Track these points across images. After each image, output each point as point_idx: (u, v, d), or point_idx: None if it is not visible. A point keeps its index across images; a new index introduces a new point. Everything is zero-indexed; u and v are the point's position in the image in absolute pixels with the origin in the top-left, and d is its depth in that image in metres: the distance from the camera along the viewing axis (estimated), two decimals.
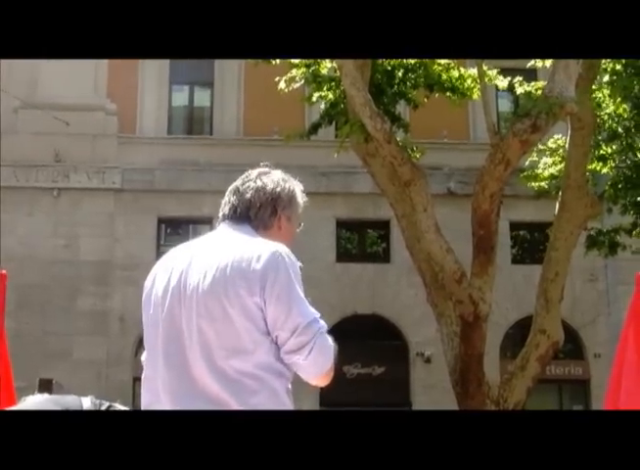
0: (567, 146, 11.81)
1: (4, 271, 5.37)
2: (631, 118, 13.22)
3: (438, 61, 11.84)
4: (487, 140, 10.61)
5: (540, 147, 13.48)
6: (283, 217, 2.83)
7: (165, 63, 18.90)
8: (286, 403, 2.59)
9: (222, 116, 19.23)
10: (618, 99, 12.86)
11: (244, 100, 19.08)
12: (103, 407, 2.71)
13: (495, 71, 12.48)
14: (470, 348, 10.42)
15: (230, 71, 19.04)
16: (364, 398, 17.04)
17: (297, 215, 2.89)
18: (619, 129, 13.38)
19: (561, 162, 13.27)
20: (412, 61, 11.68)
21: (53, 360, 16.42)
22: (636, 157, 13.56)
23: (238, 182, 2.86)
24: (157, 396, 2.63)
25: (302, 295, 2.62)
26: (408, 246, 11.30)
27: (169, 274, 2.70)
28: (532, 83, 13.16)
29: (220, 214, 2.85)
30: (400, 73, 11.94)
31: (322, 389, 2.83)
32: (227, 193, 2.86)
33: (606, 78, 12.57)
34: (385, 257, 18.82)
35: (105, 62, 18.05)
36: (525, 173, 14.09)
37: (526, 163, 13.86)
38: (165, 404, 2.60)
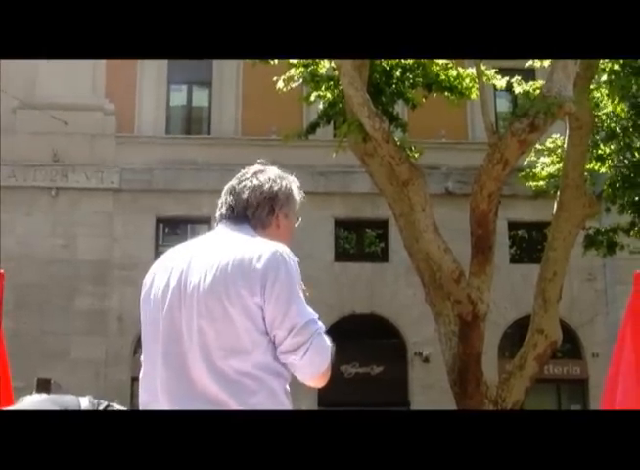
0: (565, 146, 11.81)
1: (2, 271, 5.36)
2: (629, 118, 13.23)
3: (437, 60, 11.84)
4: (486, 140, 10.61)
5: (538, 147, 13.49)
6: (281, 215, 2.82)
7: (164, 62, 18.90)
8: (284, 403, 2.59)
9: (220, 115, 19.23)
10: (617, 99, 12.87)
11: (242, 100, 19.08)
12: (101, 407, 2.71)
13: (493, 71, 12.49)
14: (468, 347, 10.42)
15: (228, 71, 19.04)
16: (362, 397, 17.05)
17: (295, 212, 2.88)
18: (617, 129, 13.39)
19: (559, 161, 13.28)
20: (410, 60, 11.69)
21: (51, 360, 16.41)
22: (634, 156, 13.57)
23: (234, 182, 2.84)
24: (154, 395, 2.63)
25: (302, 295, 2.62)
26: (406, 245, 11.30)
27: (169, 274, 2.69)
28: (531, 83, 13.17)
29: (217, 215, 2.84)
30: (398, 73, 11.94)
31: (320, 388, 2.83)
32: (223, 193, 2.85)
33: (604, 78, 12.58)
34: (383, 256, 18.83)
35: (103, 61, 18.05)
36: (524, 173, 14.10)
37: (525, 162, 13.86)
38: (163, 404, 2.59)
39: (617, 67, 12.31)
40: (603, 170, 13.74)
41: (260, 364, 2.56)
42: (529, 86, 12.98)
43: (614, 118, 13.30)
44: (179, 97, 19.83)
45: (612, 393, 5.44)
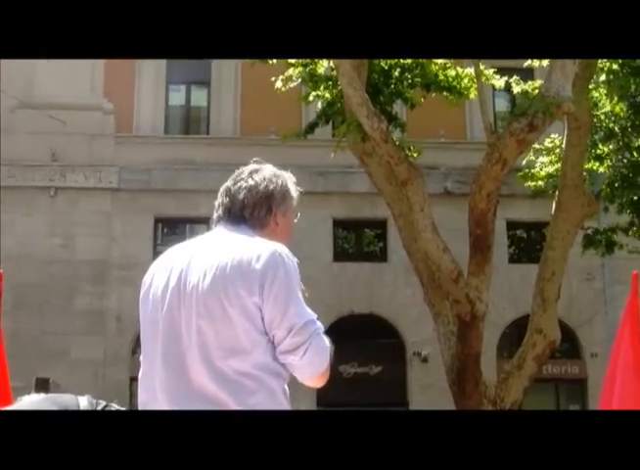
0: (563, 145, 11.82)
1: (1, 271, 5.36)
2: (628, 118, 13.23)
3: (435, 60, 11.84)
4: (484, 139, 10.61)
5: (537, 146, 13.49)
6: (278, 214, 2.81)
7: (162, 62, 18.90)
8: (283, 403, 2.59)
9: (219, 115, 19.23)
10: (615, 98, 12.87)
11: (240, 99, 19.08)
12: (99, 407, 2.70)
13: (492, 71, 12.48)
14: (467, 347, 10.42)
15: (227, 71, 19.04)
16: (361, 397, 17.05)
17: (293, 209, 2.87)
18: (616, 129, 13.39)
19: (557, 161, 13.28)
20: (409, 60, 11.68)
21: (50, 360, 16.41)
22: (633, 156, 13.57)
23: (229, 183, 2.84)
24: (153, 395, 2.63)
25: (301, 295, 2.62)
26: (405, 245, 11.30)
27: (168, 274, 2.69)
28: (529, 83, 13.17)
29: (215, 216, 2.83)
30: (397, 73, 11.93)
31: (319, 388, 2.83)
32: (219, 194, 2.84)
33: (602, 78, 12.59)
34: (382, 256, 18.83)
35: (101, 61, 18.04)
36: (522, 173, 14.09)
37: (523, 162, 13.87)
38: (162, 404, 2.60)
39: (615, 66, 12.31)
40: (601, 170, 13.74)
41: (259, 364, 2.56)
42: (528, 86, 12.98)
43: (612, 118, 13.31)
44: (178, 97, 19.83)
45: (610, 392, 5.44)
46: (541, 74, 13.12)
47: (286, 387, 2.64)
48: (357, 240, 19.45)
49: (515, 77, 13.04)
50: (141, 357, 2.76)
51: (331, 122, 12.53)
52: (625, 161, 13.76)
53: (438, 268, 10.42)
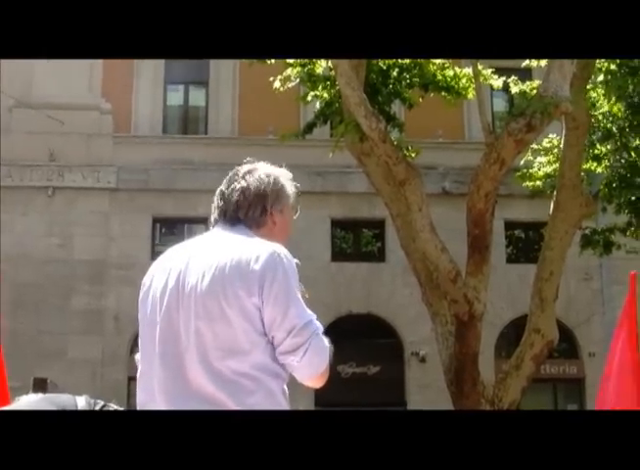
0: (561, 145, 11.83)
1: None
2: (625, 118, 13.24)
3: (433, 60, 11.85)
4: (482, 139, 10.62)
5: (535, 146, 13.51)
6: (275, 212, 2.81)
7: (160, 62, 18.89)
8: (282, 404, 2.59)
9: (217, 115, 19.22)
10: (613, 99, 12.88)
11: (239, 99, 19.08)
12: (97, 407, 2.70)
13: (490, 71, 12.49)
14: (465, 347, 10.43)
15: (225, 71, 19.04)
16: (359, 397, 17.05)
17: (290, 205, 2.87)
18: (614, 129, 13.40)
19: (555, 161, 13.29)
20: (407, 60, 11.69)
21: (48, 360, 16.39)
22: (630, 156, 13.58)
23: (223, 185, 2.84)
24: (152, 395, 2.64)
25: (300, 296, 2.62)
26: (403, 245, 11.30)
27: (167, 274, 2.69)
28: (527, 83, 13.19)
29: (212, 219, 2.84)
30: (395, 73, 11.94)
31: (317, 388, 2.83)
32: (215, 196, 2.85)
33: (600, 78, 12.60)
34: (380, 256, 18.84)
35: (99, 61, 18.01)
36: (520, 173, 14.10)
37: (521, 162, 13.88)
38: (160, 404, 2.60)
39: (613, 67, 12.32)
40: (599, 170, 13.75)
41: (258, 365, 2.56)
42: (526, 86, 12.99)
43: (610, 118, 13.31)
44: (176, 97, 19.82)
45: (607, 392, 5.45)
46: (539, 75, 13.12)
47: (285, 387, 2.64)
48: (355, 240, 19.45)
49: (513, 77, 13.05)
50: (137, 357, 2.76)
51: (329, 122, 12.54)
52: (623, 161, 13.77)
53: (436, 268, 10.43)
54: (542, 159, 14.07)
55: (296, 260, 2.68)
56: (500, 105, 19.32)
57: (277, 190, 2.82)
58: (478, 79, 10.90)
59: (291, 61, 11.63)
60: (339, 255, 18.76)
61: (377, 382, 17.92)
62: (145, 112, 19.03)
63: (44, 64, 16.52)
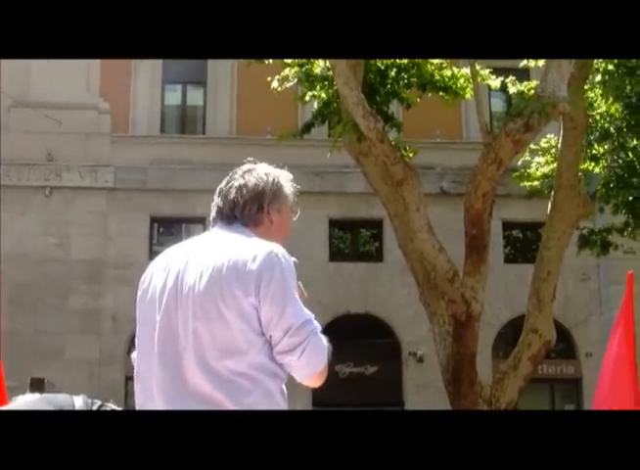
0: (559, 146, 11.83)
1: None
2: (623, 118, 13.24)
3: (431, 60, 11.85)
4: (480, 140, 10.62)
5: (533, 147, 13.50)
6: (272, 211, 2.81)
7: (158, 62, 18.88)
8: (280, 404, 2.59)
9: (215, 115, 19.21)
10: (610, 99, 12.88)
11: (236, 99, 19.08)
12: (95, 407, 2.70)
13: (488, 71, 12.49)
14: (462, 347, 10.43)
15: (223, 71, 19.03)
16: (356, 397, 17.06)
17: (289, 205, 2.86)
18: (611, 129, 13.40)
19: (553, 161, 13.29)
20: (405, 60, 11.69)
21: (45, 359, 16.38)
22: (628, 156, 13.58)
23: (222, 184, 2.86)
24: (151, 395, 2.64)
25: (297, 295, 2.62)
26: (401, 245, 11.31)
27: (166, 274, 2.69)
28: (525, 83, 13.18)
29: (211, 218, 2.85)
30: (393, 73, 11.94)
31: (314, 388, 2.83)
32: (215, 196, 2.86)
33: (598, 78, 12.60)
34: (377, 256, 18.84)
35: (97, 61, 18.00)
36: (518, 173, 14.11)
37: (519, 162, 13.88)
38: (159, 404, 2.60)
39: (610, 67, 12.33)
40: (597, 170, 13.75)
41: (256, 365, 2.56)
42: (524, 86, 12.99)
43: (607, 119, 13.31)
44: (174, 96, 19.81)
45: (604, 392, 5.45)
46: (537, 75, 13.14)
47: (284, 387, 2.63)
48: (353, 240, 19.45)
49: (511, 78, 13.05)
50: (133, 355, 2.76)
51: (327, 122, 12.54)
52: (621, 161, 13.77)
53: (434, 268, 10.43)
54: (540, 159, 14.07)
55: (293, 259, 2.68)
56: (498, 105, 19.32)
57: (275, 189, 2.82)
58: (475, 79, 10.91)
59: (289, 61, 11.63)
60: (336, 254, 18.76)
61: (374, 382, 17.92)
62: (143, 111, 19.02)
63: (42, 63, 16.51)
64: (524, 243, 19.28)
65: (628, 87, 12.63)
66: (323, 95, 11.89)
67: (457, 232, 10.96)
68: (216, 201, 2.83)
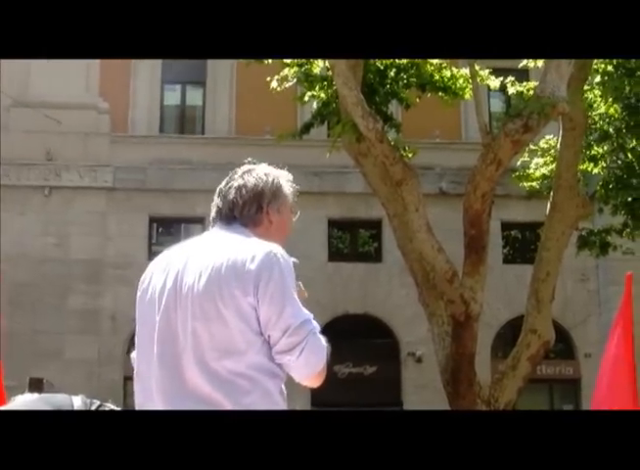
0: (558, 146, 11.83)
1: None
2: (622, 119, 13.25)
3: (431, 61, 11.85)
4: (479, 140, 10.62)
5: (532, 147, 13.50)
6: (271, 211, 2.81)
7: (158, 62, 18.88)
8: (279, 404, 2.59)
9: (214, 115, 19.22)
10: (610, 100, 12.89)
11: (236, 99, 19.07)
12: (93, 407, 2.70)
13: (487, 72, 12.49)
14: (461, 347, 10.43)
15: (222, 71, 19.03)
16: (355, 397, 17.06)
17: (288, 205, 2.86)
18: (611, 130, 13.41)
19: (552, 162, 13.29)
20: (404, 61, 11.69)
21: (44, 359, 16.37)
22: (627, 157, 13.59)
23: (222, 184, 2.86)
24: (150, 395, 2.64)
25: (296, 295, 2.62)
26: (400, 245, 11.30)
27: (165, 274, 2.70)
28: (524, 83, 13.18)
29: (210, 218, 2.86)
30: (392, 73, 11.94)
31: (313, 388, 2.83)
32: (214, 196, 2.87)
33: (597, 79, 12.61)
34: (376, 256, 18.84)
35: (97, 61, 18.00)
36: (517, 173, 14.11)
37: (518, 163, 13.88)
38: (158, 404, 2.60)
39: (610, 68, 12.34)
40: (596, 171, 13.75)
41: (254, 365, 2.56)
42: (523, 87, 12.99)
43: (607, 119, 13.32)
44: (173, 96, 19.82)
45: (602, 392, 5.45)
46: (536, 75, 13.13)
47: (283, 387, 2.63)
48: (352, 240, 19.45)
49: (510, 78, 13.05)
50: (132, 355, 2.76)
51: (326, 123, 12.54)
52: (620, 162, 13.78)
53: (433, 269, 10.43)
54: (539, 159, 14.07)
55: (293, 259, 2.68)
56: (497, 105, 19.32)
57: (274, 189, 2.82)
58: (475, 80, 10.91)
59: (288, 61, 11.63)
60: (336, 255, 18.76)
61: (373, 382, 17.92)
62: (142, 111, 19.02)
63: (41, 63, 16.50)
64: (523, 243, 19.28)
65: (627, 88, 12.64)
66: (322, 95, 11.89)
67: (456, 232, 10.96)
68: (216, 201, 2.84)
